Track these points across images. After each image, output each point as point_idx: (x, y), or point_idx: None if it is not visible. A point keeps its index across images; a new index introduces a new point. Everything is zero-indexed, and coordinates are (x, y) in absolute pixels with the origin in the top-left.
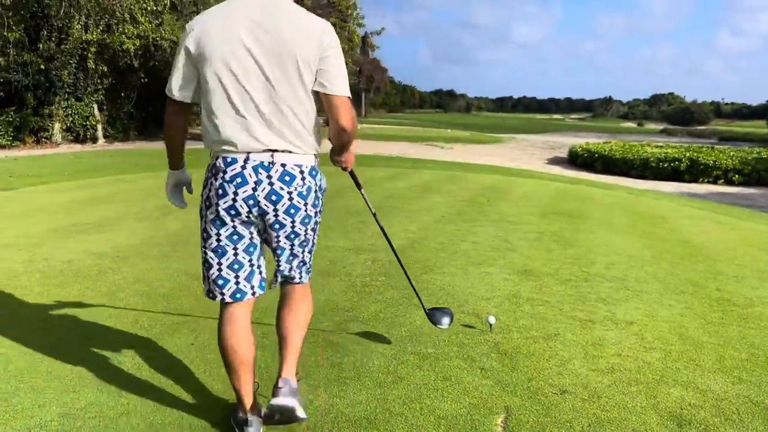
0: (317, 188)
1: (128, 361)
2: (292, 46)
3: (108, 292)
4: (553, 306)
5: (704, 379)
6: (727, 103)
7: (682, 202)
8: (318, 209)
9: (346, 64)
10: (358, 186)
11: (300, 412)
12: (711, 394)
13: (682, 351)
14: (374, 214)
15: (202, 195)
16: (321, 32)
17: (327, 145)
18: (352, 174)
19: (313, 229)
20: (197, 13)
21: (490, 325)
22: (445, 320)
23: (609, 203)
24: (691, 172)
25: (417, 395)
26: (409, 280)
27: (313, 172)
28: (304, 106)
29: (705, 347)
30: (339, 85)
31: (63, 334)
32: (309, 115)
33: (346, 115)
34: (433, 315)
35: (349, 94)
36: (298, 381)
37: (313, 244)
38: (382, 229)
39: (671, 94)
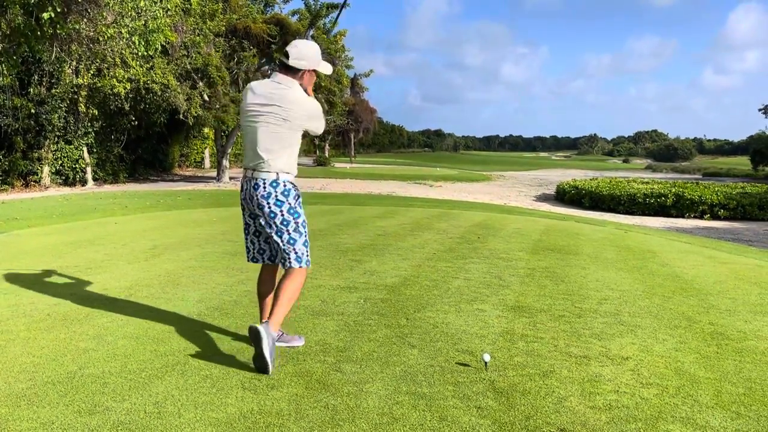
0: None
1: (117, 406)
2: None
3: (96, 336)
4: (548, 342)
5: (703, 414)
6: (709, 140)
7: (670, 236)
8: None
9: (336, 105)
10: None
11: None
12: (710, 430)
13: (679, 386)
14: None
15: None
16: None
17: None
18: None
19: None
20: (188, 56)
21: (485, 363)
22: None
23: (599, 239)
24: (678, 207)
25: None
26: None
27: (274, 184)
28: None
29: (702, 382)
30: None
31: (49, 379)
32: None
33: None
34: None
35: None
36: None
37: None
38: None
39: (654, 131)
